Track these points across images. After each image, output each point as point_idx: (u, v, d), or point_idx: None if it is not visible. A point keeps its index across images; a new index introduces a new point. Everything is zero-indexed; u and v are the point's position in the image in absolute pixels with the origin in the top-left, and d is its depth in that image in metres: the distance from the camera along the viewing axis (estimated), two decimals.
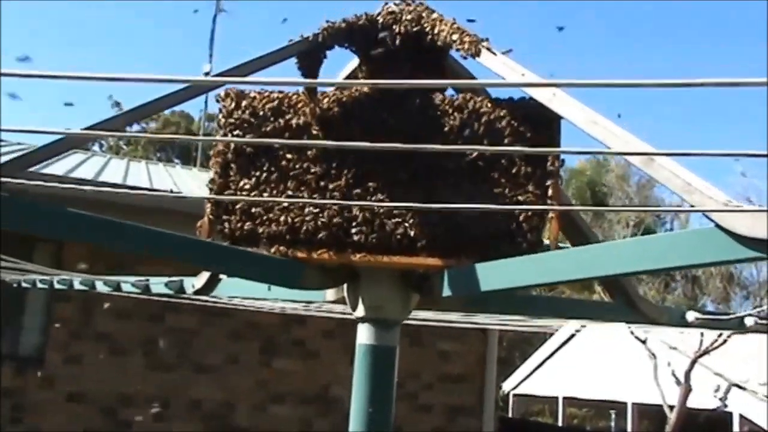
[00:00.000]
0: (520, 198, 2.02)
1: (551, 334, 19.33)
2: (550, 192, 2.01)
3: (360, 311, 2.17)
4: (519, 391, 21.22)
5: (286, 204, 2.07)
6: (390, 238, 2.04)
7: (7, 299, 8.25)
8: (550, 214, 1.99)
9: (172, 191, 8.31)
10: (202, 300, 3.32)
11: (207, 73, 13.70)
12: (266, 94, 2.17)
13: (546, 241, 2.04)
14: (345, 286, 2.24)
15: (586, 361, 18.42)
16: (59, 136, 1.77)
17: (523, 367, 21.42)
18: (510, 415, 20.55)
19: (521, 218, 2.00)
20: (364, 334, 2.15)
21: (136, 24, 49.42)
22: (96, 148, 25.30)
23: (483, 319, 4.31)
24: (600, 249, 1.80)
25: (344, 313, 2.35)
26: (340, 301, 2.34)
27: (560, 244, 2.01)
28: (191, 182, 10.48)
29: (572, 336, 18.75)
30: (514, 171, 2.03)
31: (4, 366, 7.92)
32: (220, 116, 2.19)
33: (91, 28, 49.35)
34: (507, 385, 20.73)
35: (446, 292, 2.01)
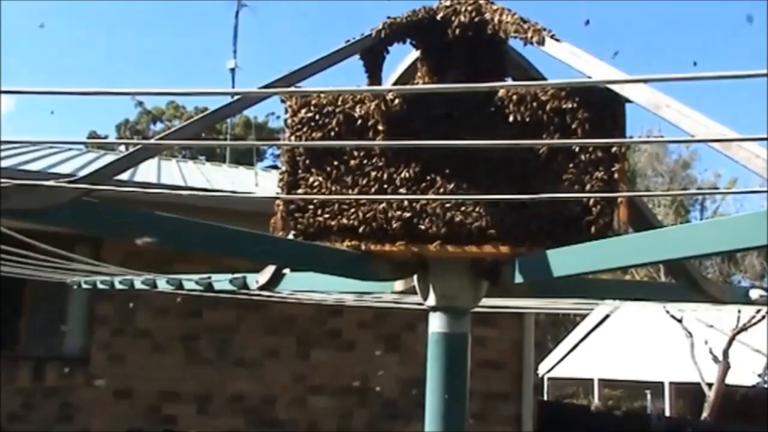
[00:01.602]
0: (587, 184, 2.04)
1: (584, 317, 19.29)
2: (617, 176, 2.03)
3: (431, 300, 2.21)
4: (553, 374, 21.23)
5: (357, 198, 2.11)
6: (460, 228, 2.07)
7: (49, 300, 8.41)
8: (619, 199, 2.00)
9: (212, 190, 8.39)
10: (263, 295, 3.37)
11: (232, 70, 13.79)
12: (330, 91, 2.20)
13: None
14: (415, 276, 2.27)
15: (621, 342, 18.37)
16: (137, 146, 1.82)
17: (557, 351, 21.42)
18: (545, 398, 20.54)
19: (590, 204, 2.02)
20: (436, 323, 2.20)
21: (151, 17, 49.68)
22: (122, 147, 25.55)
23: (518, 303, 4.32)
24: (674, 232, 1.81)
25: (418, 304, 2.38)
26: (409, 291, 2.38)
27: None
28: (223, 179, 10.56)
29: (606, 317, 18.70)
30: (580, 157, 2.05)
31: (51, 367, 8.08)
32: (287, 116, 2.23)
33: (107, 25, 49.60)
34: (541, 369, 20.73)
35: (518, 279, 2.04)
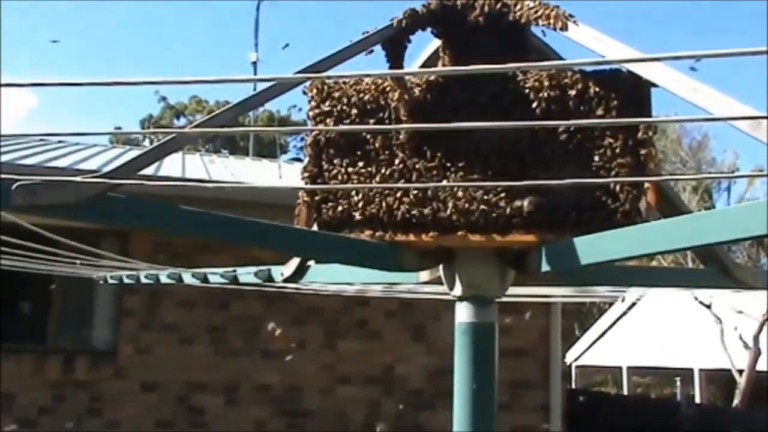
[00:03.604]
0: (614, 169, 2.01)
1: (611, 304, 19.17)
2: (644, 161, 2.00)
3: (458, 290, 2.19)
4: (581, 362, 21.12)
5: (381, 187, 2.10)
6: (486, 216, 2.06)
7: (77, 294, 8.51)
8: (646, 184, 1.98)
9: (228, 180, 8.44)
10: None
11: (254, 63, 13.82)
12: (353, 82, 2.20)
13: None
14: (441, 266, 2.26)
15: (650, 329, 18.23)
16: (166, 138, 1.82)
17: (584, 338, 21.30)
18: (573, 386, 20.44)
19: (617, 189, 2.00)
20: (463, 313, 2.18)
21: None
22: (146, 142, 25.75)
23: (546, 291, 4.29)
24: (704, 217, 1.78)
25: (444, 294, 2.37)
26: (434, 281, 2.37)
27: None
28: (248, 173, 10.61)
29: (633, 304, 18.56)
30: (606, 142, 2.02)
31: (80, 359, 8.19)
32: (309, 107, 2.23)
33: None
34: (569, 357, 20.64)
35: (545, 267, 2.02)
